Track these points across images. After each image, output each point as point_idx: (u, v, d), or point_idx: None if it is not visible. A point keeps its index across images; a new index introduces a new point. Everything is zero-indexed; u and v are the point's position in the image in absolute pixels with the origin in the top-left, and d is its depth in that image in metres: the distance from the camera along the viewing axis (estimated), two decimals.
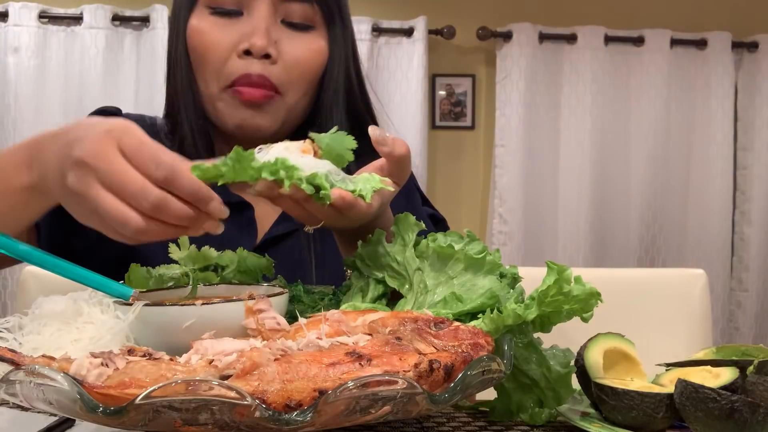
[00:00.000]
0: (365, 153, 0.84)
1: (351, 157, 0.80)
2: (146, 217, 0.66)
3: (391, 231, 0.81)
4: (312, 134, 0.80)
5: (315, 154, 0.77)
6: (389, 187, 0.76)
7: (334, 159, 0.78)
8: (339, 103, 1.11)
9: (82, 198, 0.67)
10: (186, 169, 0.66)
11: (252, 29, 1.03)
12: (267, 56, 1.03)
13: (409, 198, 1.20)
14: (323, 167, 0.73)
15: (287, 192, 0.70)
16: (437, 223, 1.22)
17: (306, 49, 1.06)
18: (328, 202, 0.72)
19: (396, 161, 0.79)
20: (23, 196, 0.77)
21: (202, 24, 1.05)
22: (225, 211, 0.68)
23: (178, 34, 1.07)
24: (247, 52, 1.02)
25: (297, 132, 1.12)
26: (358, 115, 1.14)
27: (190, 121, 1.06)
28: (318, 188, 0.71)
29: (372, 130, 0.78)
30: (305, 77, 1.06)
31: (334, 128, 0.81)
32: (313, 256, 1.08)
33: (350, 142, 0.80)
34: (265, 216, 1.10)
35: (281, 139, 1.10)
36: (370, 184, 0.75)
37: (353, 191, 0.73)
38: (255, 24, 1.03)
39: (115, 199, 0.66)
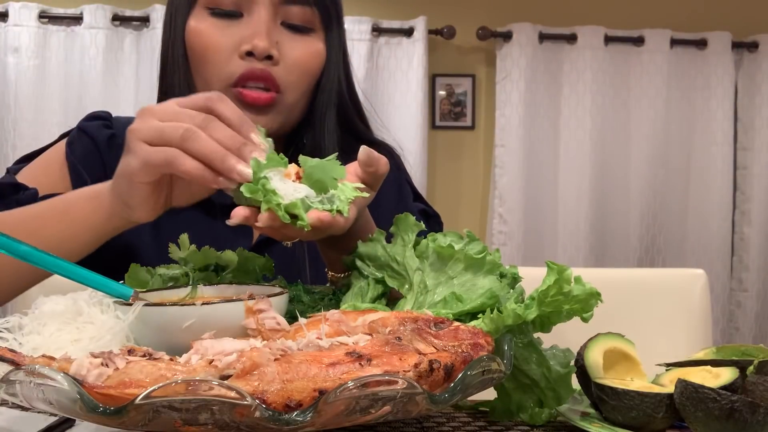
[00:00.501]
0: (354, 151, 0.84)
1: (335, 186, 0.76)
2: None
3: (391, 231, 0.81)
4: (301, 157, 0.78)
5: (298, 178, 0.76)
6: (364, 194, 0.76)
7: (313, 184, 0.75)
8: (332, 103, 1.12)
9: (134, 155, 0.73)
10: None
11: (253, 31, 1.03)
12: (269, 57, 1.03)
13: (401, 194, 1.20)
14: (301, 192, 0.73)
15: (264, 215, 0.70)
16: (429, 219, 1.23)
17: (306, 52, 1.07)
18: (306, 230, 0.71)
19: (377, 177, 0.79)
20: (86, 216, 0.83)
21: (201, 25, 1.05)
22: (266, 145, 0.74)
23: (176, 35, 1.07)
24: (249, 54, 1.03)
25: (292, 133, 1.12)
26: (347, 114, 1.16)
27: None
28: (295, 216, 0.71)
29: (362, 153, 0.77)
30: (305, 78, 1.08)
31: (333, 156, 0.78)
32: (307, 255, 1.08)
33: (339, 172, 0.77)
34: None
35: (277, 139, 1.11)
36: (344, 194, 0.74)
37: (330, 210, 0.72)
38: (256, 26, 1.03)
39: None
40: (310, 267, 1.08)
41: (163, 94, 1.11)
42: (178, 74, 1.08)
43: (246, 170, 0.71)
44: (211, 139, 0.71)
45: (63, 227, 0.84)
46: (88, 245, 0.85)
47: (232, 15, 1.05)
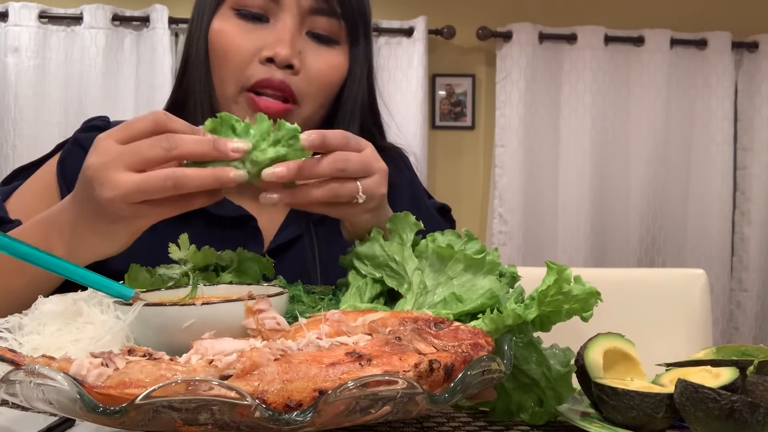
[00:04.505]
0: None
1: None
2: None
3: (388, 228, 0.82)
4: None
5: None
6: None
7: None
8: (355, 119, 1.11)
9: (118, 205, 0.73)
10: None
11: (276, 38, 1.02)
12: (290, 67, 1.02)
13: (415, 194, 1.20)
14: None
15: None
16: (446, 214, 1.25)
17: (327, 64, 1.05)
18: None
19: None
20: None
21: (225, 26, 1.04)
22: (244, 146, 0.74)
23: (200, 35, 1.06)
24: (270, 60, 1.01)
25: None
26: (366, 125, 1.15)
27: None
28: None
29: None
30: (323, 91, 1.06)
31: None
32: (317, 261, 1.07)
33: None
34: (269, 225, 1.10)
35: None
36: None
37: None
38: (280, 33, 1.02)
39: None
40: (321, 273, 1.07)
41: (183, 92, 1.10)
42: (198, 74, 1.06)
43: (239, 173, 0.74)
44: (197, 171, 0.73)
45: (25, 282, 0.83)
46: (54, 285, 0.85)
47: (258, 18, 1.03)
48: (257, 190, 0.78)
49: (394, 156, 1.23)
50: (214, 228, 1.06)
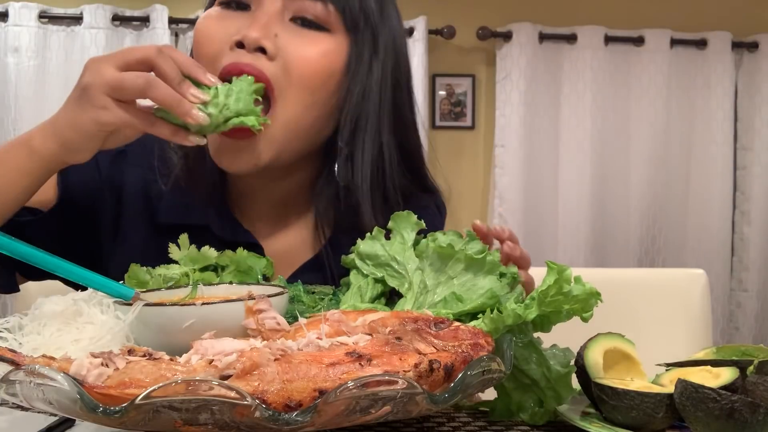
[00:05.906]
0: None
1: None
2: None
3: (389, 227, 0.82)
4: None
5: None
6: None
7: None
8: (368, 129, 0.97)
9: (94, 91, 0.80)
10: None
11: (250, 22, 0.92)
12: (262, 51, 0.91)
13: None
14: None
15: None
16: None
17: (310, 49, 0.92)
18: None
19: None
20: (20, 163, 0.86)
21: (206, 19, 0.97)
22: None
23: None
24: (240, 46, 0.91)
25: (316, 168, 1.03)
26: (408, 161, 1.06)
27: None
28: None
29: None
30: (306, 83, 0.92)
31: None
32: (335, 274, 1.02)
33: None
34: (288, 255, 1.05)
35: (287, 170, 1.02)
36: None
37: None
38: (255, 16, 0.93)
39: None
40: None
41: None
42: None
43: (200, 113, 0.81)
44: (167, 86, 0.80)
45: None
46: (26, 191, 0.88)
47: (241, 7, 0.95)
48: None
49: (425, 206, 1.11)
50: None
